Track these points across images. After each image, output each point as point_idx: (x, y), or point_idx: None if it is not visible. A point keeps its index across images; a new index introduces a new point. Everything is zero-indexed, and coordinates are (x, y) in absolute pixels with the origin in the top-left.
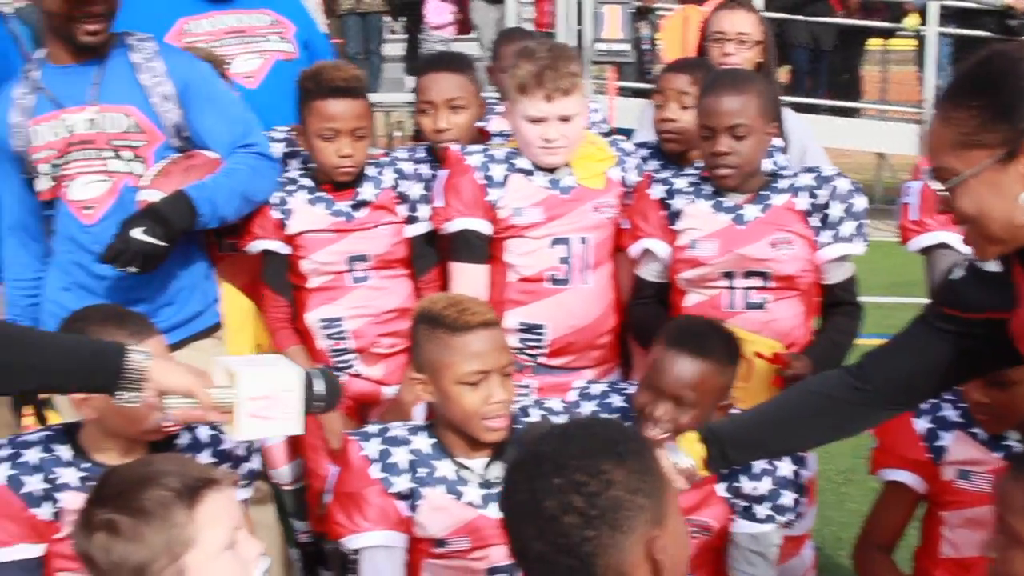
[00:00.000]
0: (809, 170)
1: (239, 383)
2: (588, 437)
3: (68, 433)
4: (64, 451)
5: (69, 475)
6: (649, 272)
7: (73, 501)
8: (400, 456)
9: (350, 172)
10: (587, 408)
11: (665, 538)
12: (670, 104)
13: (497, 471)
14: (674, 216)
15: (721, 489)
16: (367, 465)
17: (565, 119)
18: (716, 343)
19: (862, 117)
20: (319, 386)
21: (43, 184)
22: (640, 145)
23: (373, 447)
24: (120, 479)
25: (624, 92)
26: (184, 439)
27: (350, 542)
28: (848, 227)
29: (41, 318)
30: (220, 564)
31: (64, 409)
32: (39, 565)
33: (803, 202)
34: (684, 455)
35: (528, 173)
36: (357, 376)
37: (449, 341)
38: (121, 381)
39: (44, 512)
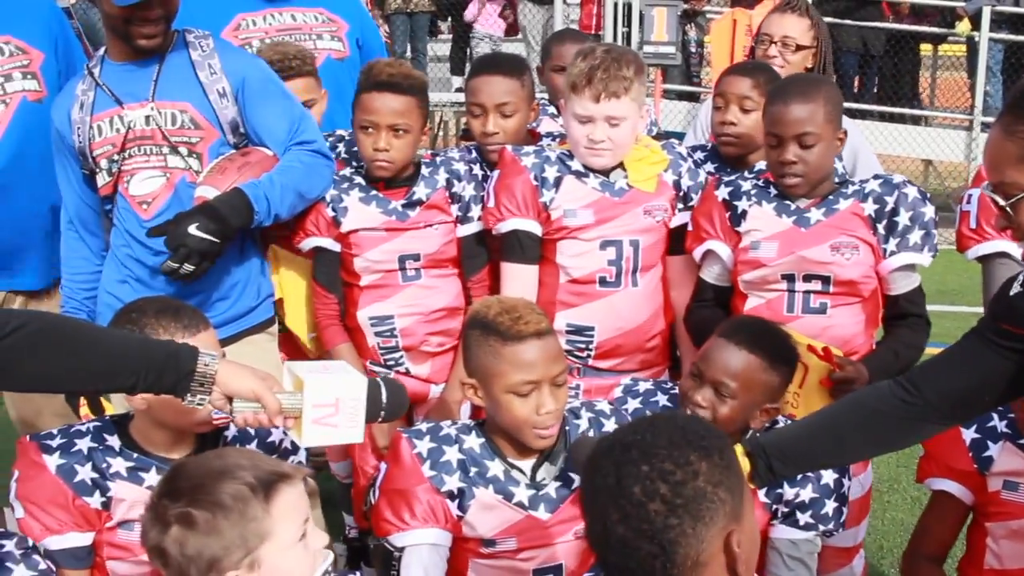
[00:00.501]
0: (877, 176)
1: (306, 390)
2: (675, 429)
3: (118, 424)
4: (114, 441)
5: (118, 465)
6: (711, 274)
7: (121, 491)
8: (451, 455)
9: (386, 167)
10: (632, 405)
11: (742, 533)
12: (731, 107)
13: (545, 473)
14: (739, 218)
15: (762, 495)
16: (418, 463)
17: (613, 122)
18: (768, 340)
19: (911, 123)
20: (384, 396)
21: (103, 179)
22: (695, 148)
23: (424, 445)
24: (194, 473)
25: (669, 95)
26: (232, 430)
27: (397, 539)
28: (915, 236)
29: (97, 310)
30: (292, 556)
31: (117, 399)
32: (89, 553)
33: (870, 208)
34: None
35: (581, 175)
36: (405, 374)
37: (501, 350)
38: (191, 384)
39: (94, 501)
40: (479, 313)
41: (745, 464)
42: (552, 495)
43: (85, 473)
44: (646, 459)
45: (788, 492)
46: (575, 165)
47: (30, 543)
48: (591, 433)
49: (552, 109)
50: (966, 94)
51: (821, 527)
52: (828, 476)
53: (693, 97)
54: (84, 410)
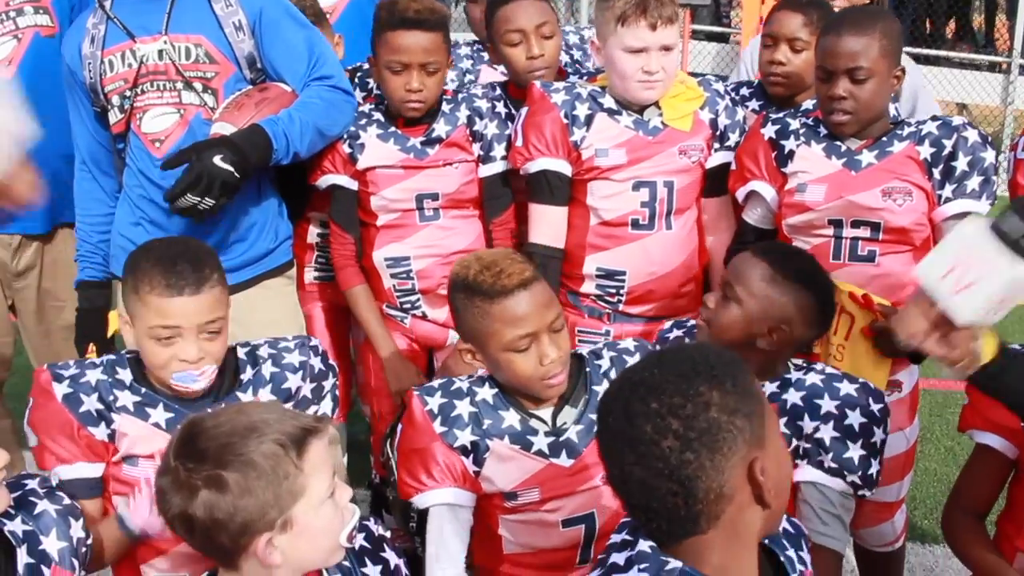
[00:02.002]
0: (935, 118)
1: None
2: (682, 361)
3: (133, 359)
4: (125, 375)
5: (125, 398)
6: (753, 216)
7: (125, 424)
8: (462, 409)
9: (418, 108)
10: (676, 334)
11: (766, 460)
12: (780, 46)
13: (566, 416)
14: (785, 158)
15: (781, 426)
16: (429, 420)
17: (667, 49)
18: (788, 257)
19: (943, 65)
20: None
21: (115, 116)
22: (740, 84)
23: (435, 402)
24: (216, 433)
25: (698, 36)
26: (247, 373)
27: (418, 501)
28: (973, 182)
29: (111, 252)
30: (323, 512)
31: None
32: (100, 484)
33: (926, 151)
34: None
35: (613, 112)
36: (423, 318)
37: (488, 309)
38: None
39: (99, 432)
40: (459, 275)
41: (992, 345)
42: (574, 440)
43: (91, 404)
44: (654, 395)
45: (807, 425)
46: (607, 102)
47: (53, 481)
48: (612, 374)
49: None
50: (1006, 37)
51: (847, 476)
52: (854, 418)
53: (723, 38)
54: (90, 356)
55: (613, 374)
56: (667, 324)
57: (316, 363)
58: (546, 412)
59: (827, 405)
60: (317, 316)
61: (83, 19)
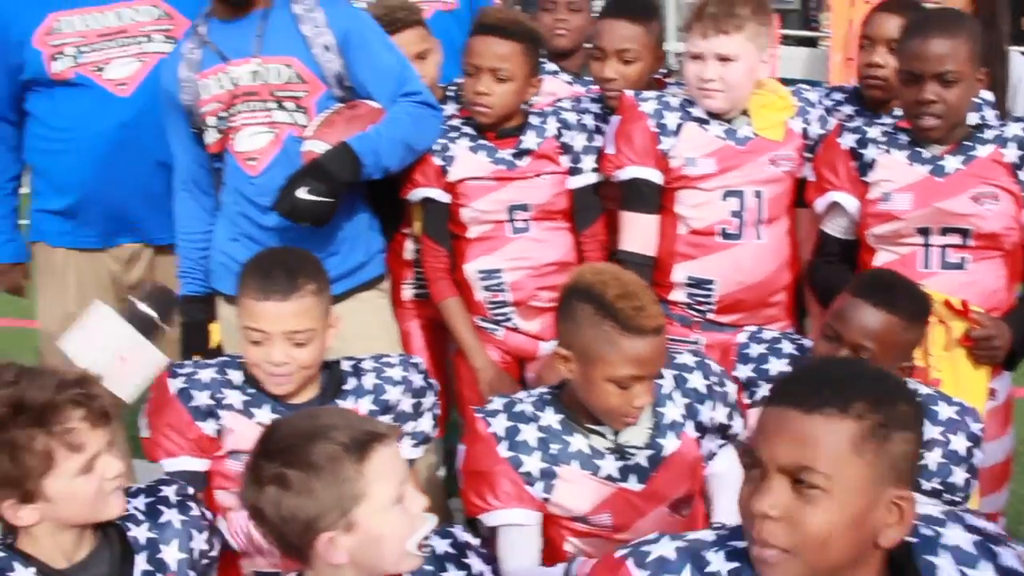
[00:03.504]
0: (1018, 119)
1: (79, 362)
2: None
3: (244, 363)
4: (236, 376)
5: (234, 397)
6: (835, 227)
7: (232, 421)
8: (528, 434)
9: (485, 113)
10: (756, 350)
11: None
12: (878, 48)
13: (629, 435)
14: (866, 167)
15: None
16: (494, 444)
17: (723, 60)
18: (905, 297)
19: None
20: (142, 307)
21: (211, 137)
22: (835, 89)
23: (500, 424)
24: (288, 433)
25: (788, 41)
26: (350, 384)
27: (485, 519)
28: None
29: (211, 268)
30: (389, 518)
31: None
32: (203, 480)
33: (1011, 154)
34: None
35: (703, 122)
36: (515, 330)
37: (616, 339)
38: None
39: (207, 428)
40: (594, 290)
41: None
42: (644, 464)
43: (201, 399)
44: None
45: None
46: (697, 112)
47: (189, 490)
48: (675, 395)
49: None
50: None
51: (947, 496)
52: (959, 443)
53: (811, 43)
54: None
55: (676, 395)
56: (742, 336)
57: (417, 380)
58: (608, 430)
59: (933, 432)
60: (415, 333)
61: (180, 45)
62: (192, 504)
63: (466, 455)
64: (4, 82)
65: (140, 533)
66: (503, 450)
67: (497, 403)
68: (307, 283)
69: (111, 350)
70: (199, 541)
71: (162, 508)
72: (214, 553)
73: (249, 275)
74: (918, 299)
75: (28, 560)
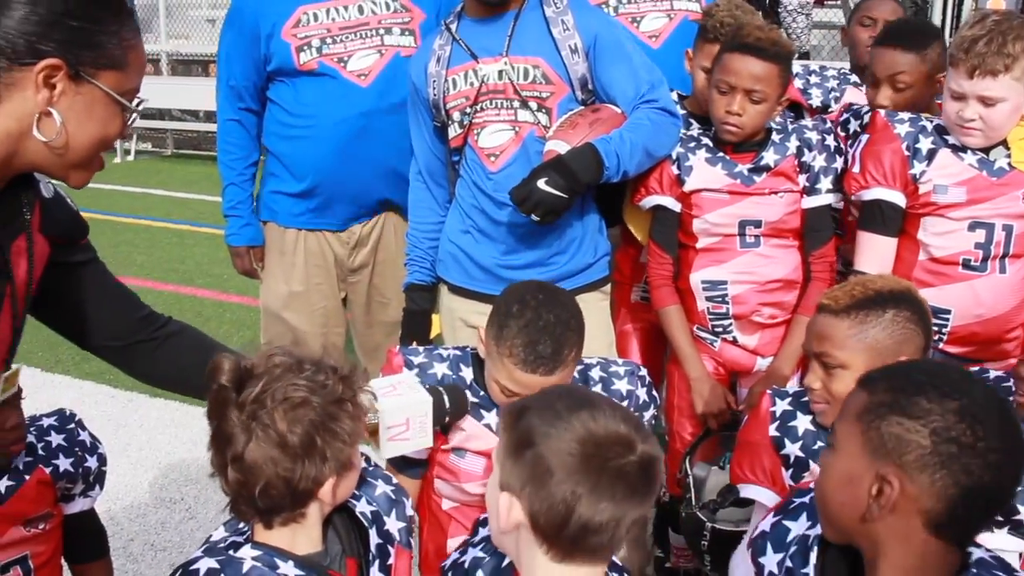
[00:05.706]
0: None
1: (381, 414)
2: None
3: (476, 358)
4: (467, 373)
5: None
6: None
7: (462, 420)
8: (801, 422)
9: (735, 132)
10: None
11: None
12: None
13: None
14: None
15: None
16: (767, 420)
17: (987, 102)
18: None
19: None
20: (447, 403)
21: (454, 131)
22: None
23: (781, 406)
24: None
25: None
26: None
27: (742, 489)
28: None
29: (439, 258)
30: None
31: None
32: (423, 464)
33: None
34: None
35: (957, 149)
36: (732, 343)
37: None
38: None
39: None
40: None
41: None
42: None
43: None
44: None
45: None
46: (952, 138)
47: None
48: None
49: (854, 77)
50: None
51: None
52: None
53: None
54: None
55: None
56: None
57: (642, 394)
58: None
59: None
60: (636, 335)
61: (429, 41)
62: (388, 473)
63: (745, 423)
64: (252, 74)
65: (364, 507)
66: (772, 429)
67: (790, 387)
68: (571, 352)
69: (403, 416)
70: (407, 508)
71: (372, 480)
72: (415, 524)
73: (515, 339)
74: None
75: (278, 552)
